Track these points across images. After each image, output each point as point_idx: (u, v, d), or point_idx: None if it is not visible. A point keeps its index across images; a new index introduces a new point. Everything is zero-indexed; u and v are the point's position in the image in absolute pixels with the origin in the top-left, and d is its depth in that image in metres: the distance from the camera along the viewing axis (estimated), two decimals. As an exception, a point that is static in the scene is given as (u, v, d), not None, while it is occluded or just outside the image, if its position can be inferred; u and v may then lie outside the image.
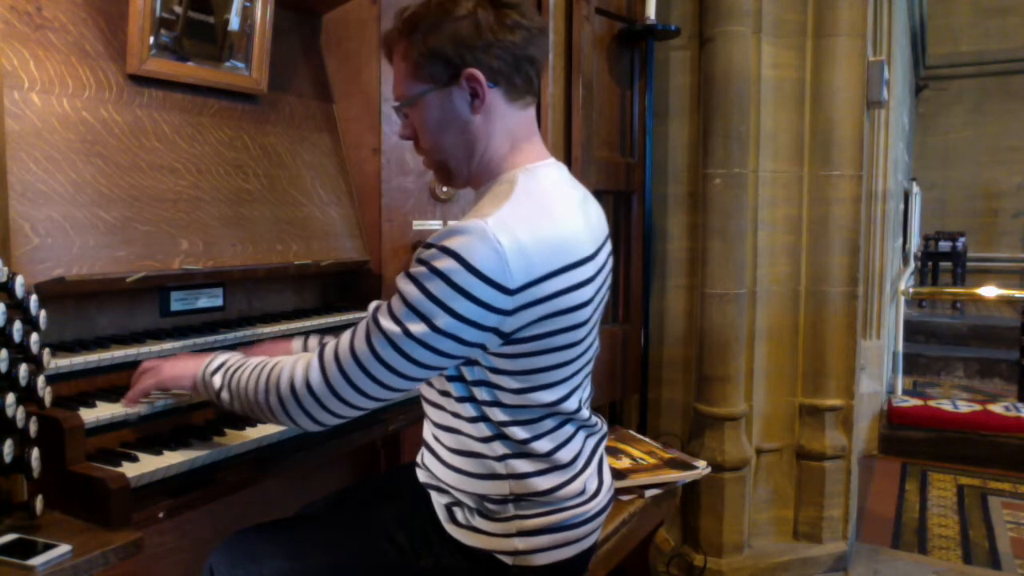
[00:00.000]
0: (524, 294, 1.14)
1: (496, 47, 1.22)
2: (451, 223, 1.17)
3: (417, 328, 1.14)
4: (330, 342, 1.24)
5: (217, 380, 1.32)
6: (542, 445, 1.28)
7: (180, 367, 1.37)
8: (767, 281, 2.86)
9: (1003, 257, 10.63)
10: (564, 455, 1.31)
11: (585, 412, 1.36)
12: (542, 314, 1.18)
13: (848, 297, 2.85)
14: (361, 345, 1.17)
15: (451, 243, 1.12)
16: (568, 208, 1.26)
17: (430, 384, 1.33)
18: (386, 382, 1.18)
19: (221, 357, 1.36)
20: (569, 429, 1.33)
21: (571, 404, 1.31)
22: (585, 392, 1.37)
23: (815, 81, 2.81)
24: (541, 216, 1.19)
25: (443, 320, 1.13)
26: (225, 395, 1.31)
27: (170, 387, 1.38)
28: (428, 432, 1.39)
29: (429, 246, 1.15)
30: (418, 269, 1.14)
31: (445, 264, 1.12)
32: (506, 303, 1.14)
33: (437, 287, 1.12)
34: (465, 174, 1.32)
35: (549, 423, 1.29)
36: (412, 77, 1.27)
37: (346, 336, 1.21)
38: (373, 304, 1.30)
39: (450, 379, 1.27)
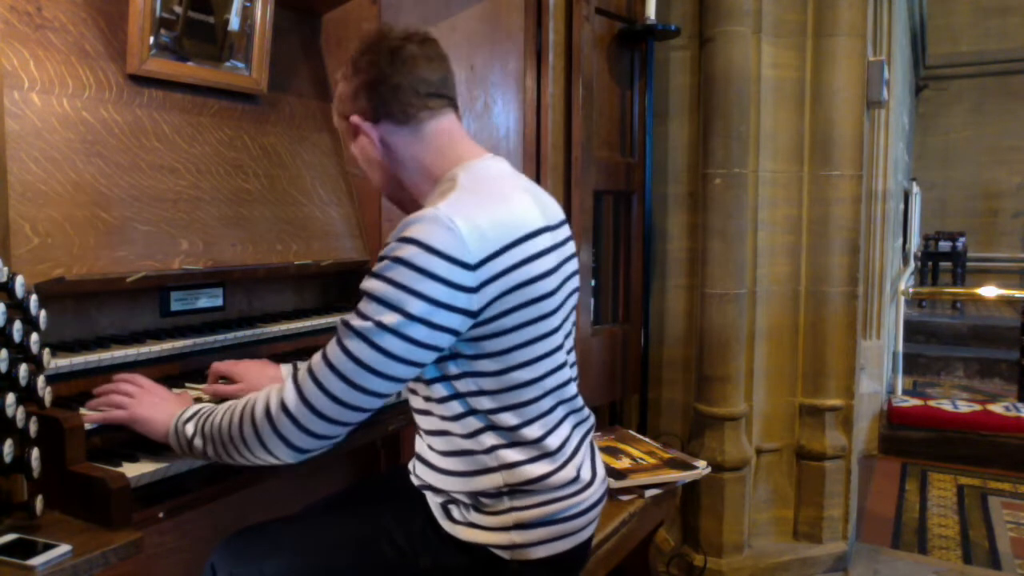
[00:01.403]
0: (484, 269, 1.19)
1: (361, 92, 1.35)
2: (404, 219, 1.22)
3: (389, 318, 1.15)
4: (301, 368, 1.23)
5: (190, 428, 1.27)
6: (532, 431, 1.30)
7: (155, 410, 1.31)
8: (767, 281, 2.86)
9: (1003, 257, 10.63)
10: (553, 441, 1.32)
11: (572, 389, 1.39)
12: (506, 287, 1.21)
13: (848, 297, 2.85)
14: (334, 352, 1.17)
15: (407, 233, 1.17)
16: (513, 189, 1.33)
17: (415, 392, 1.34)
18: (364, 385, 1.17)
19: (196, 405, 1.32)
20: (559, 414, 1.35)
21: (552, 381, 1.33)
22: (569, 371, 1.39)
23: (815, 81, 2.81)
24: (488, 198, 1.27)
25: (413, 305, 1.15)
26: (198, 441, 1.25)
27: (136, 430, 1.32)
28: (420, 442, 1.40)
29: (388, 243, 1.19)
30: (379, 265, 1.18)
31: (405, 251, 1.16)
32: (469, 279, 1.17)
33: (401, 274, 1.15)
34: (410, 198, 1.39)
35: (536, 408, 1.30)
36: (344, 137, 1.45)
37: (318, 352, 1.21)
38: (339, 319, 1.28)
39: (432, 381, 1.28)
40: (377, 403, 1.21)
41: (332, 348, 1.18)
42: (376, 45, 1.34)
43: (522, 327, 1.26)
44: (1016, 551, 3.26)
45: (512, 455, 1.28)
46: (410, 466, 1.45)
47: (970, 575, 3.08)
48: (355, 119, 1.36)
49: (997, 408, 4.65)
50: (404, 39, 1.34)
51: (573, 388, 1.40)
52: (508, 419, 1.28)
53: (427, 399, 1.31)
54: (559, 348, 1.34)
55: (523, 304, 1.24)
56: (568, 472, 1.34)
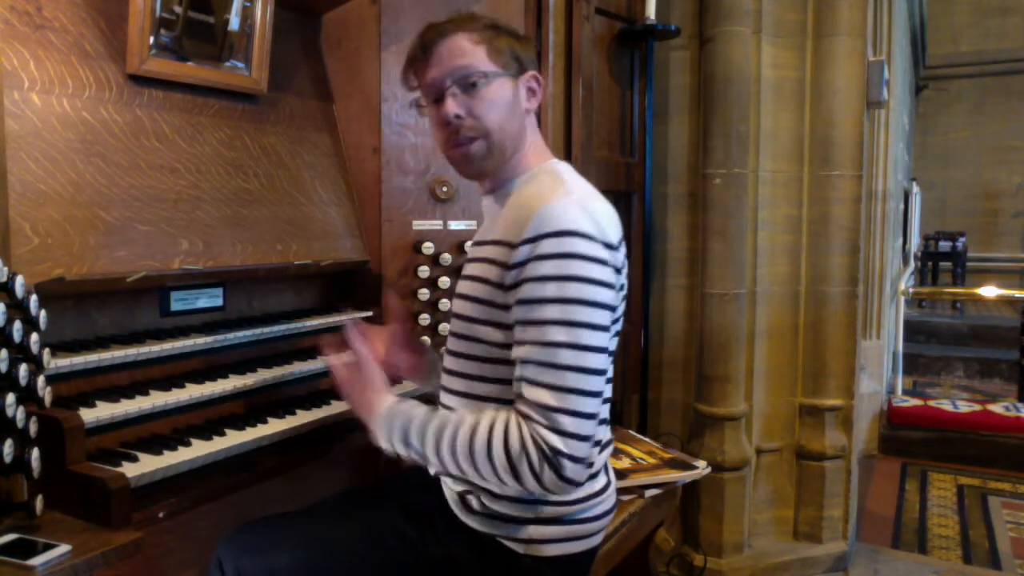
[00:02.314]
0: (619, 251, 1.28)
1: (533, 62, 1.42)
2: (542, 209, 1.22)
3: (588, 316, 1.18)
4: (528, 408, 1.19)
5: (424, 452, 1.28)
6: None
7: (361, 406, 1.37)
8: (767, 281, 2.86)
9: (1003, 257, 10.63)
10: (601, 432, 1.36)
11: (609, 390, 1.41)
12: (626, 273, 1.31)
13: (848, 297, 2.85)
14: (561, 379, 1.17)
15: (560, 225, 1.20)
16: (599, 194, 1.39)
17: (466, 376, 1.34)
18: (598, 389, 1.20)
19: (399, 433, 1.30)
20: (605, 410, 1.38)
21: (610, 387, 1.36)
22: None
23: (815, 81, 2.81)
24: (595, 195, 1.33)
25: (594, 292, 1.19)
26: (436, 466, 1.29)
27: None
28: None
29: (538, 238, 1.19)
30: (550, 264, 1.19)
31: (569, 245, 1.19)
32: (614, 259, 1.25)
33: (576, 266, 1.19)
34: (501, 161, 1.39)
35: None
36: (490, 59, 1.36)
37: (540, 391, 1.18)
38: (521, 353, 1.22)
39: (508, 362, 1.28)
40: (601, 398, 1.24)
41: (554, 374, 1.17)
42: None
43: (619, 319, 1.32)
44: (1016, 551, 3.26)
45: None
46: None
47: (970, 575, 3.08)
48: (537, 75, 1.42)
49: (997, 408, 4.65)
50: None
51: (609, 390, 1.42)
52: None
53: (496, 380, 1.30)
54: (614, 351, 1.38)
55: (624, 297, 1.33)
56: (599, 461, 1.38)
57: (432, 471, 1.36)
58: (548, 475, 1.17)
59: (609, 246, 1.24)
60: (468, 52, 1.35)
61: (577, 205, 1.23)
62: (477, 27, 1.38)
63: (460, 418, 1.25)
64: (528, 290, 1.20)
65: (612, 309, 1.25)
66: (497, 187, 1.41)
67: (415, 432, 1.27)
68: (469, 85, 1.34)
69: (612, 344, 1.33)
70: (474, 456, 1.21)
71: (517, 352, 1.22)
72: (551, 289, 1.18)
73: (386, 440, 1.30)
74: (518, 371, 1.21)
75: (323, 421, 1.65)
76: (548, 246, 1.19)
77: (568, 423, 1.17)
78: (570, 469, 1.17)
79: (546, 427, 1.17)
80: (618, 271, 1.27)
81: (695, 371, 2.88)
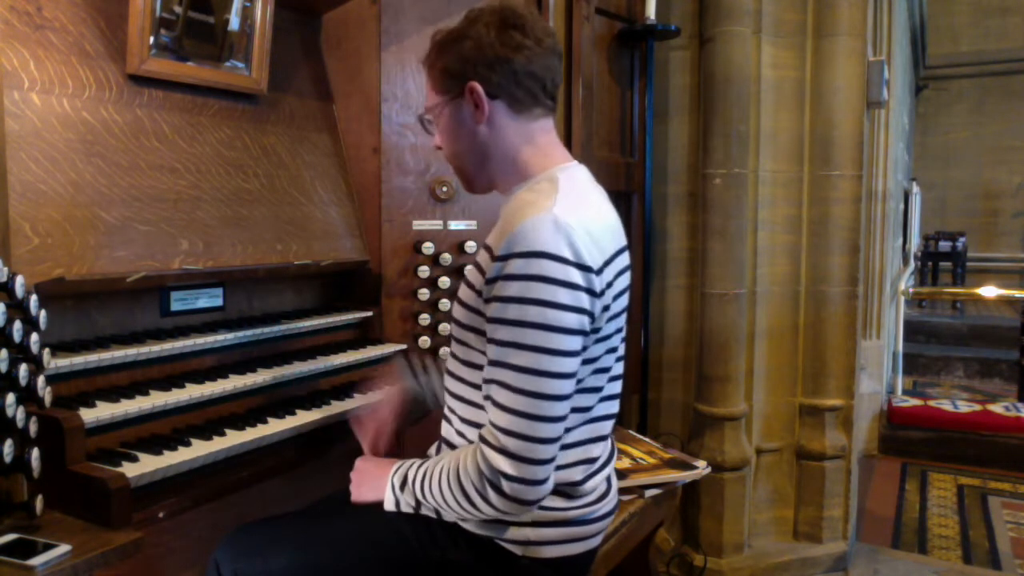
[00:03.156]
0: (603, 274, 1.23)
1: (497, 64, 1.30)
2: (518, 227, 1.19)
3: (551, 341, 1.16)
4: (483, 430, 1.22)
5: (411, 502, 1.35)
6: (581, 435, 1.33)
7: (368, 488, 1.41)
8: (767, 281, 2.86)
9: (1003, 257, 10.63)
10: (597, 450, 1.36)
11: (617, 405, 1.42)
12: (613, 294, 1.27)
13: (848, 297, 2.85)
14: (513, 399, 1.17)
15: (530, 245, 1.17)
16: (604, 202, 1.37)
17: (463, 380, 1.35)
18: (554, 413, 1.19)
19: (400, 476, 1.36)
20: (608, 425, 1.39)
21: (610, 388, 1.36)
22: (619, 386, 1.42)
23: (815, 81, 2.81)
24: (589, 207, 1.30)
25: (567, 319, 1.17)
26: (427, 512, 1.35)
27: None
28: (449, 428, 1.41)
29: (508, 257, 1.18)
30: (514, 285, 1.17)
31: (536, 267, 1.16)
32: (594, 283, 1.20)
33: (540, 289, 1.16)
34: (484, 178, 1.40)
35: (592, 414, 1.33)
36: (432, 91, 1.39)
37: (494, 412, 1.20)
38: (487, 372, 1.25)
39: None
40: (566, 423, 1.23)
41: (507, 396, 1.18)
42: (525, 25, 1.31)
43: (610, 337, 1.30)
44: (1016, 551, 3.26)
45: (562, 456, 1.30)
46: (431, 451, 1.46)
47: (970, 575, 3.08)
48: (476, 86, 1.31)
49: (997, 408, 4.65)
50: (548, 33, 1.34)
51: (617, 405, 1.42)
52: (568, 420, 1.29)
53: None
54: (618, 360, 1.37)
55: (615, 315, 1.30)
56: (596, 481, 1.37)
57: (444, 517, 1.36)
58: (493, 496, 1.19)
59: (585, 268, 1.19)
60: (427, 89, 1.40)
61: (554, 224, 1.18)
62: (430, 57, 1.38)
63: (438, 458, 1.30)
64: (493, 310, 1.20)
65: (584, 333, 1.21)
66: (505, 191, 1.41)
67: (418, 486, 1.32)
68: (430, 124, 1.41)
69: (609, 361, 1.32)
70: (442, 490, 1.26)
71: (484, 372, 1.24)
72: (512, 311, 1.17)
73: (393, 503, 1.36)
74: (483, 389, 1.24)
75: (323, 421, 1.65)
76: (515, 267, 1.18)
77: (514, 446, 1.17)
78: (515, 489, 1.18)
79: (493, 448, 1.19)
80: (598, 294, 1.22)
81: (695, 371, 2.88)
